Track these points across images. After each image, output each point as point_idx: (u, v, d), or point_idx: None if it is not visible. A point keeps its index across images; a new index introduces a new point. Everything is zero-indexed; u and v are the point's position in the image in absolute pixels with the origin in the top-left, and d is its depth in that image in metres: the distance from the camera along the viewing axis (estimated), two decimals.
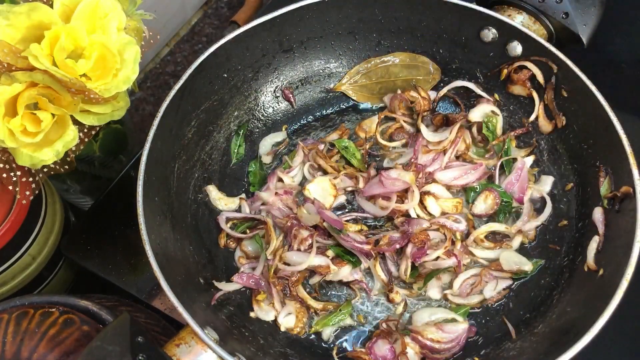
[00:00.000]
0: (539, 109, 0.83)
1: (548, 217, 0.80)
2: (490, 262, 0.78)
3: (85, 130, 0.72)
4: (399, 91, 0.89)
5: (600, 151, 0.75)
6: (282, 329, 0.75)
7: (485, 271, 0.77)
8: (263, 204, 0.83)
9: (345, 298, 0.78)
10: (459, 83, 0.88)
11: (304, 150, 0.86)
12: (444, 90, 0.89)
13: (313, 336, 0.76)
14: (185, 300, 0.64)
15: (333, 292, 0.78)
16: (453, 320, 0.74)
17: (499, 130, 0.86)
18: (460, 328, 0.73)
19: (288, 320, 0.75)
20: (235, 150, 0.87)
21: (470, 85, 0.87)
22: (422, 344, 0.72)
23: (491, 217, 0.81)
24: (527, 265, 0.77)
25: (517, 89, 0.85)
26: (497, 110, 0.85)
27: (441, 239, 0.78)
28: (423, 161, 0.82)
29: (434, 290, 0.77)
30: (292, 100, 0.91)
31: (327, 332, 0.76)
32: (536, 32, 0.83)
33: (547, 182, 0.82)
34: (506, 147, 0.84)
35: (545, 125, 0.83)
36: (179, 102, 0.78)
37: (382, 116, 0.89)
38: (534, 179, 0.83)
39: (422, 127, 0.85)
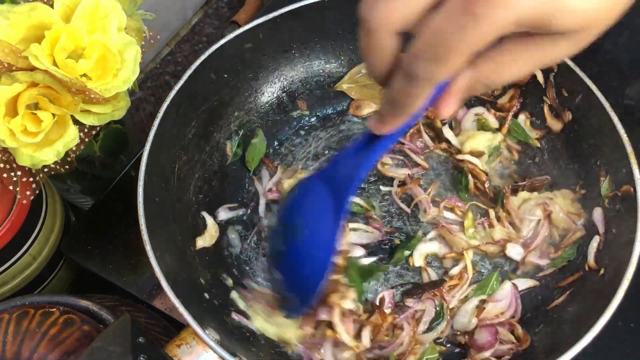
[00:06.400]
0: (546, 112, 0.83)
1: None
2: None
3: (86, 130, 0.71)
4: None
5: (601, 151, 0.75)
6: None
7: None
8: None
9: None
10: None
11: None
12: None
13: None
14: (186, 300, 0.64)
15: None
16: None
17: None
18: (506, 289, 0.74)
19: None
20: (234, 151, 0.87)
21: None
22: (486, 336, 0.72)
23: None
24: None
25: (502, 100, 0.86)
26: (481, 109, 0.86)
27: None
28: None
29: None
30: (293, 100, 0.91)
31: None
32: None
33: None
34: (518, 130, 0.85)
35: (555, 124, 0.82)
36: (180, 102, 0.77)
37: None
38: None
39: (446, 131, 0.86)
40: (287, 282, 0.68)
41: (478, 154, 0.83)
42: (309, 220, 0.64)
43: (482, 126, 0.86)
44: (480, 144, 0.84)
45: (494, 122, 0.86)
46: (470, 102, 0.89)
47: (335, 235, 0.60)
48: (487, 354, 0.69)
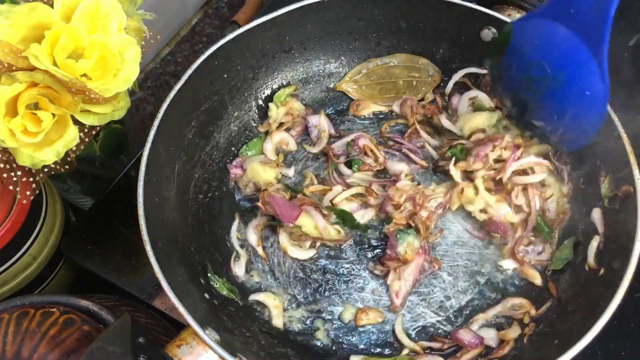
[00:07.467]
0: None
1: None
2: None
3: (86, 130, 0.71)
4: (404, 97, 0.89)
5: (601, 151, 0.75)
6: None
7: None
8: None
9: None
10: (466, 70, 0.89)
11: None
12: (450, 86, 0.90)
13: (315, 339, 0.76)
14: (186, 300, 0.64)
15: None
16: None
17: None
18: None
19: None
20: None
21: (479, 71, 0.88)
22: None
23: None
24: None
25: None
26: (475, 92, 0.87)
27: None
28: None
29: None
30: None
31: None
32: None
33: None
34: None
35: None
36: (180, 102, 0.77)
37: (394, 122, 0.90)
38: None
39: (444, 120, 0.86)
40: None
41: (480, 132, 0.83)
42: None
43: (478, 107, 0.86)
44: (480, 123, 0.84)
45: (488, 102, 0.86)
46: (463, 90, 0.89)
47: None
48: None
